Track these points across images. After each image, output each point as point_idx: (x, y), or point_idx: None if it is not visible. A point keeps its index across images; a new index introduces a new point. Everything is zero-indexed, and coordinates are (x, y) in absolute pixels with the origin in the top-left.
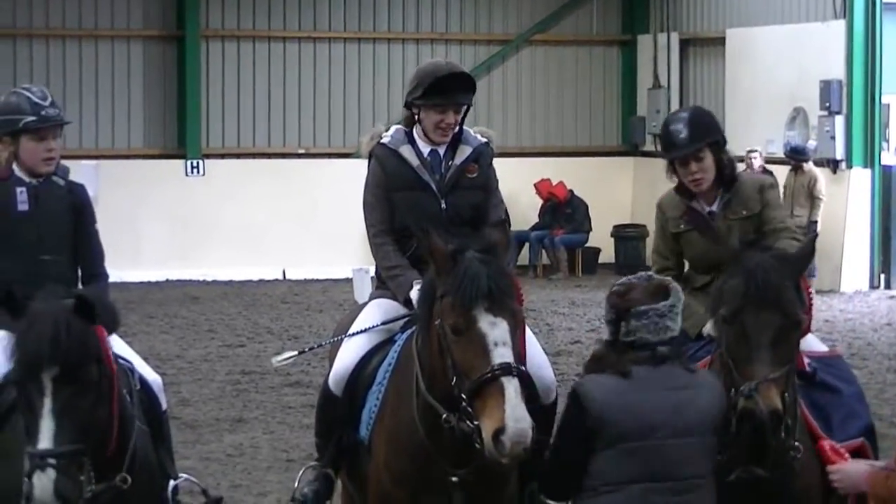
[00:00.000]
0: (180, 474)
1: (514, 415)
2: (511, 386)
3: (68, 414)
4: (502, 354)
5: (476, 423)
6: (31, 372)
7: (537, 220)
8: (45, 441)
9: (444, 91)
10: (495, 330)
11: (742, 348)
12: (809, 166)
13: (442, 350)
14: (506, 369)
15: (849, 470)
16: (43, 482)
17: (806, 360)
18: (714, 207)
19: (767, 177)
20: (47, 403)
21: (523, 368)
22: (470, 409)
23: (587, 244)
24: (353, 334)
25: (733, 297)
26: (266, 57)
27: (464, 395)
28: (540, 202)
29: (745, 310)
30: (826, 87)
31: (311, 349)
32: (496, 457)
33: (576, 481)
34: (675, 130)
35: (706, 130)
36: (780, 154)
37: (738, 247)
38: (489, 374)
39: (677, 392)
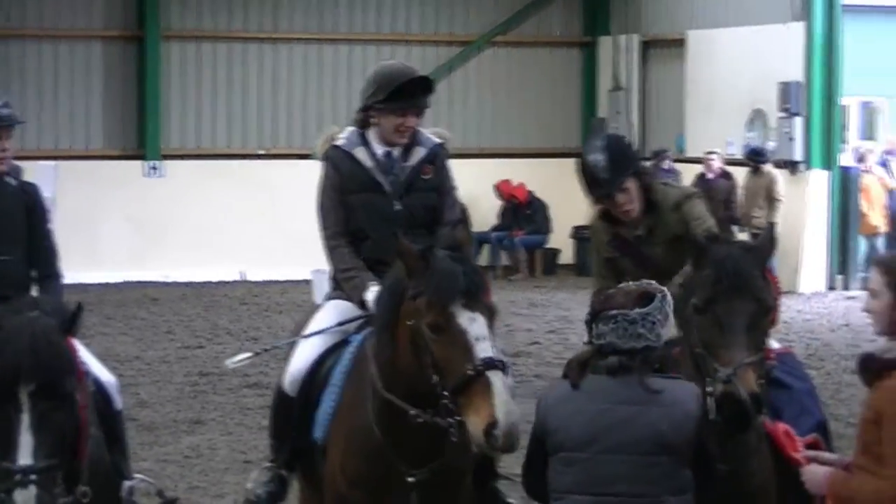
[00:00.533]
0: (135, 475)
1: (505, 409)
2: (498, 380)
3: (45, 428)
4: (484, 349)
5: (456, 418)
6: (8, 387)
7: (497, 222)
8: (25, 457)
9: (406, 95)
10: (474, 325)
11: (716, 336)
12: (768, 168)
13: (417, 350)
14: (490, 363)
15: (815, 472)
16: (25, 498)
17: None
18: (640, 231)
19: (685, 188)
20: (25, 419)
21: (506, 360)
22: (452, 406)
23: (547, 245)
24: (308, 335)
25: (704, 287)
26: (226, 58)
27: (446, 392)
28: (500, 203)
29: (717, 298)
30: (785, 88)
31: (265, 350)
32: (486, 451)
33: (543, 484)
34: (595, 162)
35: (626, 161)
36: (740, 155)
37: (703, 241)
38: (474, 370)
39: (625, 407)
